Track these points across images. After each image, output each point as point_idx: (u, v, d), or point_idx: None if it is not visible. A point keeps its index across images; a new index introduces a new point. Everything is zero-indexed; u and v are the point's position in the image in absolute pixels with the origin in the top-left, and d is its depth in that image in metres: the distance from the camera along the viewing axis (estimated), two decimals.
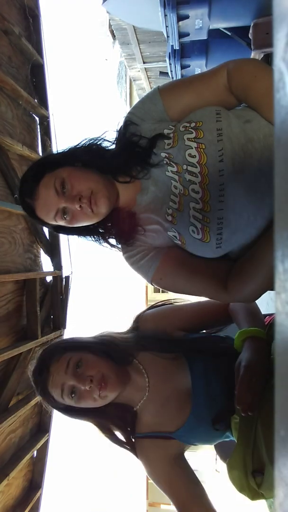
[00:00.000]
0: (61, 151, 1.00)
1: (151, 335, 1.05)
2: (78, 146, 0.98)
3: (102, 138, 0.98)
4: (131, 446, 1.00)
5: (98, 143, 0.98)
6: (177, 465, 0.95)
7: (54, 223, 0.94)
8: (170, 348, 1.03)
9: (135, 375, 1.00)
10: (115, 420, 1.00)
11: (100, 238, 1.03)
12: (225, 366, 1.00)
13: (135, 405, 1.00)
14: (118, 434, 1.02)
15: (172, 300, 1.17)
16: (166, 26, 2.63)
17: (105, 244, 1.04)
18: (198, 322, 1.13)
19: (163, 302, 1.17)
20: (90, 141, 0.98)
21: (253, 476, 0.84)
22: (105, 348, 0.98)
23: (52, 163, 0.94)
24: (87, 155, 0.95)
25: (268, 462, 0.81)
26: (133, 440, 1.00)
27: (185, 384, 1.00)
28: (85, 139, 0.99)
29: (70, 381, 0.91)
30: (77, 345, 0.99)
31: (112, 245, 1.04)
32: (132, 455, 1.00)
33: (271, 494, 0.86)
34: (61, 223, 0.93)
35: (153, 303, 1.19)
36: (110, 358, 0.95)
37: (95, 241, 1.04)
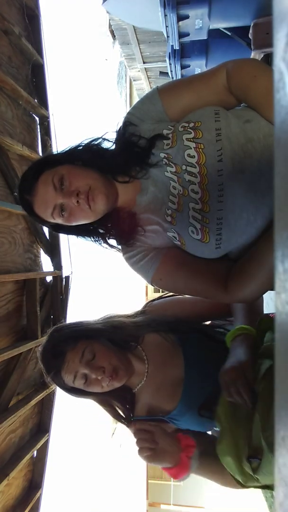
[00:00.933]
0: (62, 151, 1.00)
1: (160, 318, 1.12)
2: (78, 146, 0.98)
3: (102, 138, 0.98)
4: (130, 424, 1.08)
5: (98, 143, 0.98)
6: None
7: (52, 220, 0.94)
8: (177, 326, 1.10)
9: (137, 360, 1.07)
10: (116, 399, 1.08)
11: (100, 238, 1.03)
12: (220, 356, 1.02)
13: (134, 388, 1.08)
14: (119, 410, 1.10)
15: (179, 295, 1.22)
16: (166, 26, 2.63)
17: (105, 245, 1.04)
18: (202, 312, 1.16)
19: (171, 294, 1.23)
20: (90, 141, 0.98)
21: (248, 462, 0.84)
22: (114, 335, 1.05)
23: (52, 161, 0.95)
24: (87, 155, 0.96)
25: (266, 447, 0.80)
26: (132, 421, 1.07)
27: (179, 371, 1.06)
28: (85, 139, 0.99)
29: (84, 369, 0.99)
30: (90, 333, 1.05)
31: (112, 246, 1.04)
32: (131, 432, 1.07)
33: (267, 480, 0.85)
34: (59, 220, 0.93)
35: (161, 295, 1.26)
36: (119, 346, 1.03)
37: (95, 241, 1.04)
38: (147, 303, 1.20)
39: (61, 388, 1.06)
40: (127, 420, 1.08)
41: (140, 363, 1.07)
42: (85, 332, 1.05)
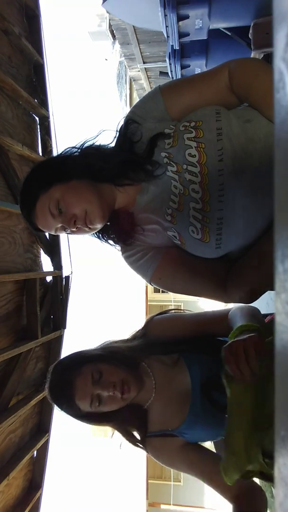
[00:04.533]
0: (57, 158, 0.99)
1: (156, 340, 1.10)
2: (74, 154, 0.97)
3: (100, 146, 0.97)
4: (144, 443, 1.07)
5: (95, 148, 0.97)
6: (191, 449, 1.02)
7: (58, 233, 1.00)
8: (173, 349, 1.07)
9: (144, 376, 1.06)
10: (131, 419, 1.06)
11: (100, 235, 1.04)
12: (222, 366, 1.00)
13: (144, 404, 1.06)
14: (135, 434, 1.09)
15: (182, 310, 1.22)
16: (166, 26, 2.63)
17: (105, 242, 1.05)
18: (201, 330, 1.12)
19: (172, 309, 1.22)
20: (87, 147, 0.97)
21: (263, 460, 0.81)
22: (114, 357, 1.03)
23: (45, 181, 0.94)
24: (80, 167, 0.94)
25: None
26: (146, 438, 1.06)
27: (186, 384, 1.03)
28: (82, 142, 0.98)
29: (97, 390, 0.97)
30: (91, 357, 1.03)
31: (111, 245, 1.04)
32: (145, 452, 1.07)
33: None
34: (64, 233, 0.99)
35: (163, 310, 1.23)
36: (123, 364, 1.01)
37: (97, 237, 1.05)
38: (149, 320, 1.18)
39: (77, 418, 1.04)
40: (143, 440, 1.07)
41: (148, 379, 1.05)
42: (87, 358, 1.04)
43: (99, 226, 0.95)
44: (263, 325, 0.98)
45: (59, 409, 1.03)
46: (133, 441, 1.08)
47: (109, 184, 0.96)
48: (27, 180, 0.97)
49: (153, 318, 1.17)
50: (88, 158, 0.96)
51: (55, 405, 1.04)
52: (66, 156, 0.98)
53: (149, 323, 1.15)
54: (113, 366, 1.00)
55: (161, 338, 1.10)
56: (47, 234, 2.81)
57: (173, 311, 1.21)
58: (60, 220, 0.92)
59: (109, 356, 1.03)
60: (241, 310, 1.03)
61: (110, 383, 0.97)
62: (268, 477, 0.86)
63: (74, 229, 0.93)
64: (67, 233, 0.99)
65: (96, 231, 0.98)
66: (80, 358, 1.04)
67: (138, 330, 1.16)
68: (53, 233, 0.98)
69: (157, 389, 1.05)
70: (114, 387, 0.97)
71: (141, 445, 1.07)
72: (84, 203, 0.91)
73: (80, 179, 0.93)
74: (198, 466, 0.99)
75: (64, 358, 1.09)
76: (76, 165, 0.95)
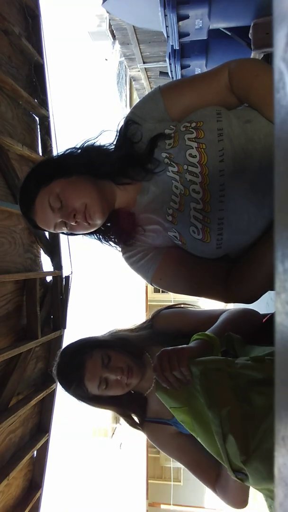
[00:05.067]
0: (57, 158, 1.00)
1: (162, 331, 1.14)
2: (74, 152, 0.98)
3: (100, 145, 0.98)
4: (142, 426, 1.13)
5: (96, 147, 0.98)
6: (184, 437, 1.06)
7: (57, 231, 0.98)
8: (179, 340, 1.08)
9: (146, 366, 1.10)
10: (132, 405, 1.13)
11: (100, 236, 1.04)
12: None
13: (144, 392, 1.12)
14: (134, 417, 1.15)
15: (189, 306, 1.25)
16: (166, 26, 2.63)
17: (105, 242, 1.05)
18: (206, 326, 1.13)
19: (178, 304, 1.26)
20: (88, 145, 0.98)
21: (234, 475, 0.81)
22: (122, 344, 1.09)
23: (46, 176, 0.94)
24: (83, 164, 0.95)
25: (247, 468, 0.76)
26: (144, 421, 1.13)
27: None
28: (83, 142, 0.98)
29: (105, 373, 1.03)
30: (101, 343, 1.10)
31: (112, 245, 1.04)
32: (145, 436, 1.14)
33: (258, 488, 0.82)
34: (63, 231, 0.98)
35: (170, 304, 1.28)
36: (129, 352, 1.07)
37: (97, 239, 1.05)
38: (156, 313, 1.22)
39: (83, 400, 1.08)
40: (142, 424, 1.13)
41: (149, 369, 1.09)
42: (97, 343, 1.10)
43: (98, 221, 0.94)
44: (228, 336, 0.97)
45: (67, 390, 1.07)
46: (133, 424, 1.15)
47: (109, 182, 0.96)
48: (28, 177, 0.98)
49: (160, 312, 1.21)
50: (88, 155, 0.96)
51: (62, 387, 1.09)
52: (67, 154, 0.98)
53: (156, 316, 1.19)
54: (121, 352, 1.06)
55: (168, 330, 1.14)
56: (47, 234, 2.81)
57: (180, 306, 1.25)
58: (60, 215, 0.92)
59: (117, 343, 1.09)
60: (227, 315, 1.04)
61: (118, 367, 1.03)
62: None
63: (73, 223, 0.92)
64: (66, 233, 0.98)
65: (95, 228, 0.96)
66: (91, 343, 1.10)
67: (145, 321, 1.21)
68: (52, 230, 0.97)
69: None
70: (122, 371, 1.02)
71: (139, 428, 1.13)
72: (84, 197, 0.91)
73: (80, 175, 0.94)
74: (187, 455, 1.06)
75: (73, 343, 1.13)
76: (77, 162, 0.95)
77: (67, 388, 1.07)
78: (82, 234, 1.04)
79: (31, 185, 0.95)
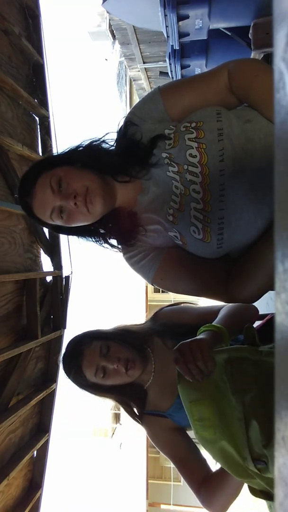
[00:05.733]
0: (61, 152, 1.00)
1: (165, 325, 1.19)
2: (78, 147, 0.98)
3: (102, 140, 0.98)
4: (141, 419, 1.17)
5: (98, 143, 0.98)
6: (177, 434, 1.12)
7: (51, 222, 0.95)
8: (178, 335, 1.13)
9: (147, 360, 1.15)
10: (132, 396, 1.17)
11: (101, 239, 1.03)
12: None
13: (144, 385, 1.17)
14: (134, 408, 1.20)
15: (188, 303, 1.30)
16: (166, 26, 2.63)
17: (106, 245, 1.04)
18: (205, 323, 1.16)
19: (179, 303, 1.32)
20: (90, 142, 0.98)
21: (253, 463, 0.82)
22: (124, 335, 1.15)
23: (50, 163, 0.95)
24: (85, 156, 0.96)
25: (268, 452, 0.79)
26: (143, 414, 1.17)
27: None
28: (85, 139, 0.99)
29: (102, 362, 1.08)
30: (102, 335, 1.15)
31: (112, 246, 1.04)
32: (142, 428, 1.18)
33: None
34: (58, 222, 0.93)
35: (172, 303, 1.34)
36: (130, 345, 1.12)
37: (95, 242, 1.04)
38: (158, 310, 1.27)
39: (82, 387, 1.14)
40: (140, 415, 1.17)
41: (149, 363, 1.15)
42: (99, 334, 1.16)
43: (98, 209, 0.91)
44: (232, 328, 1.04)
45: (68, 377, 1.14)
46: (131, 413, 1.20)
47: (110, 179, 0.96)
48: (30, 167, 0.98)
49: (162, 309, 1.26)
50: (90, 151, 0.97)
51: (64, 373, 1.15)
52: (69, 149, 0.98)
53: (157, 314, 1.24)
54: (121, 345, 1.11)
55: (169, 324, 1.19)
56: (47, 233, 2.82)
57: (182, 304, 1.29)
58: (59, 197, 0.89)
59: (119, 335, 1.14)
60: (227, 309, 1.11)
61: (115, 357, 1.07)
62: (270, 496, 0.86)
63: (72, 205, 0.88)
64: (62, 219, 0.92)
65: (93, 219, 0.94)
66: (93, 334, 1.16)
67: (147, 320, 1.26)
68: (47, 217, 0.93)
69: (156, 373, 1.15)
70: (119, 361, 1.07)
71: (137, 419, 1.18)
72: (87, 181, 0.90)
73: (85, 167, 0.94)
74: (177, 451, 1.10)
75: (79, 334, 1.19)
76: (79, 155, 0.96)
77: (68, 374, 1.14)
78: (78, 234, 1.03)
79: (34, 170, 0.95)
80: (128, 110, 1.02)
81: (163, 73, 4.39)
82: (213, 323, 1.04)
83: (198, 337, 0.95)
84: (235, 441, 0.85)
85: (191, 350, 0.87)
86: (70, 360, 1.13)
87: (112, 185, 0.96)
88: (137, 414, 1.18)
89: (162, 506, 9.89)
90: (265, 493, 0.89)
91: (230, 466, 0.89)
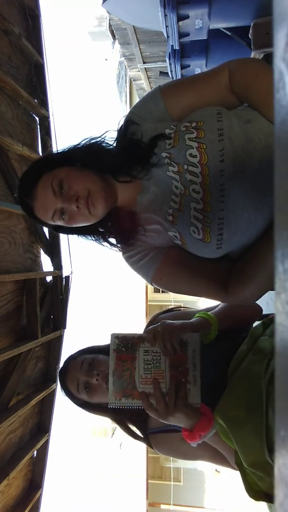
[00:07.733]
0: (61, 150, 1.00)
1: None
2: (78, 146, 0.98)
3: (103, 139, 0.98)
4: (146, 439, 1.13)
5: (98, 143, 0.98)
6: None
7: (52, 223, 0.95)
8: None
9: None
10: (130, 415, 1.11)
11: (100, 237, 1.03)
12: (221, 355, 1.03)
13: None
14: (134, 428, 1.15)
15: (187, 308, 1.29)
16: (166, 26, 2.63)
17: (105, 244, 1.04)
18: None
19: (176, 308, 1.30)
20: (91, 141, 0.98)
21: (270, 457, 0.81)
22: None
23: (51, 163, 0.94)
24: (86, 155, 0.95)
25: None
26: (147, 434, 1.12)
27: None
28: (86, 138, 0.99)
29: (82, 377, 1.07)
30: (93, 350, 1.15)
31: (112, 245, 1.04)
32: (148, 447, 1.14)
33: None
34: (59, 223, 0.93)
35: (166, 309, 1.32)
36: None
37: (95, 240, 1.04)
38: (152, 318, 1.25)
39: (76, 404, 1.13)
40: (144, 437, 1.12)
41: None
42: (89, 349, 1.16)
43: (100, 211, 0.91)
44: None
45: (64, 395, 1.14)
46: (131, 434, 1.15)
47: (110, 179, 0.96)
48: (30, 166, 0.98)
49: (158, 315, 1.24)
50: (91, 150, 0.96)
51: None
52: (70, 148, 0.98)
53: (153, 320, 1.21)
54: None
55: None
56: (47, 233, 2.82)
57: (178, 309, 1.28)
58: (61, 200, 0.89)
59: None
60: (223, 304, 1.12)
61: (96, 372, 1.06)
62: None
63: (74, 208, 0.88)
64: (63, 220, 0.91)
65: (95, 220, 0.93)
66: (84, 350, 1.17)
67: (146, 326, 1.23)
68: (49, 219, 0.92)
69: None
70: (98, 374, 1.06)
71: (140, 438, 1.13)
72: (89, 183, 0.90)
73: (85, 166, 0.94)
74: (201, 452, 1.06)
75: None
76: (79, 154, 0.96)
77: (61, 391, 1.15)
78: (79, 233, 1.03)
79: (35, 170, 0.94)
80: (128, 110, 1.02)
81: (163, 73, 4.39)
82: (208, 312, 1.08)
83: (182, 321, 1.01)
84: (258, 428, 0.85)
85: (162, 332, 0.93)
86: (59, 377, 1.14)
87: (113, 185, 0.96)
88: (142, 436, 1.13)
89: (162, 506, 9.88)
90: (269, 496, 0.87)
91: (248, 457, 0.87)
